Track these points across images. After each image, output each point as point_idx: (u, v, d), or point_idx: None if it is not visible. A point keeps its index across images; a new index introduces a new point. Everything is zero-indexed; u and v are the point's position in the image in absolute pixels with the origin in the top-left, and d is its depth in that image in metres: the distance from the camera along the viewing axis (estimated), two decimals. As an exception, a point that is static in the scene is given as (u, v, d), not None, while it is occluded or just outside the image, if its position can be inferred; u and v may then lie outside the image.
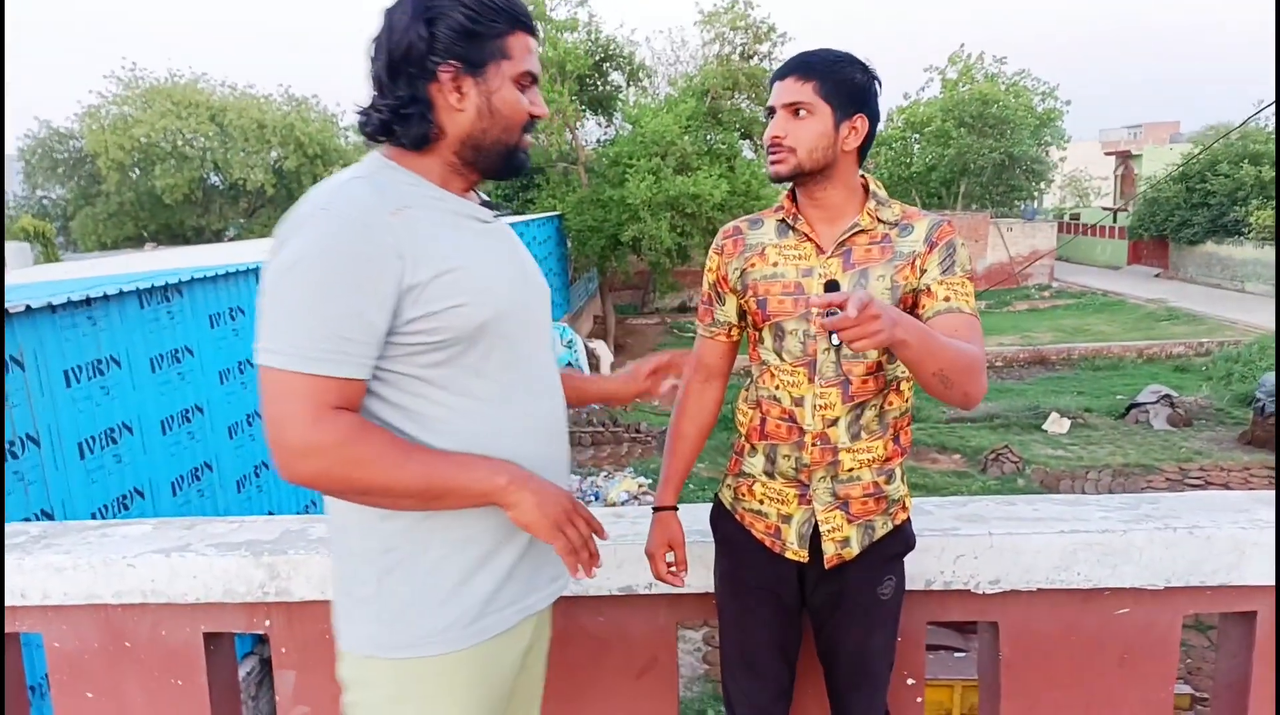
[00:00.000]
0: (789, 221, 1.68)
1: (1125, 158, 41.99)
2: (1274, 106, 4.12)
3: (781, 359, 1.66)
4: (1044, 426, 15.12)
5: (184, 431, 6.26)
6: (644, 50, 33.89)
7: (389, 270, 1.24)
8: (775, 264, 1.67)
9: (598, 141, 25.58)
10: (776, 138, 1.61)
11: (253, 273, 7.01)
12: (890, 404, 1.68)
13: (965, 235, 27.75)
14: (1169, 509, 1.97)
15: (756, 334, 1.72)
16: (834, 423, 1.64)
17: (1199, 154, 29.28)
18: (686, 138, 20.88)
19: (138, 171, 30.57)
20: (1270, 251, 28.00)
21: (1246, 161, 30.15)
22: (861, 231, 1.64)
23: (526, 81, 1.38)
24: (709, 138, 22.76)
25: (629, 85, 26.14)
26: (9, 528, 2.18)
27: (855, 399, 1.64)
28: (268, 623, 2.03)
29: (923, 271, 1.62)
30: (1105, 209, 39.97)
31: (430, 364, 1.32)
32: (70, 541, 2.06)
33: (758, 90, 23.38)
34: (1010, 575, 1.87)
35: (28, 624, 2.03)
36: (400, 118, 1.31)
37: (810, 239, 1.65)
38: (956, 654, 5.94)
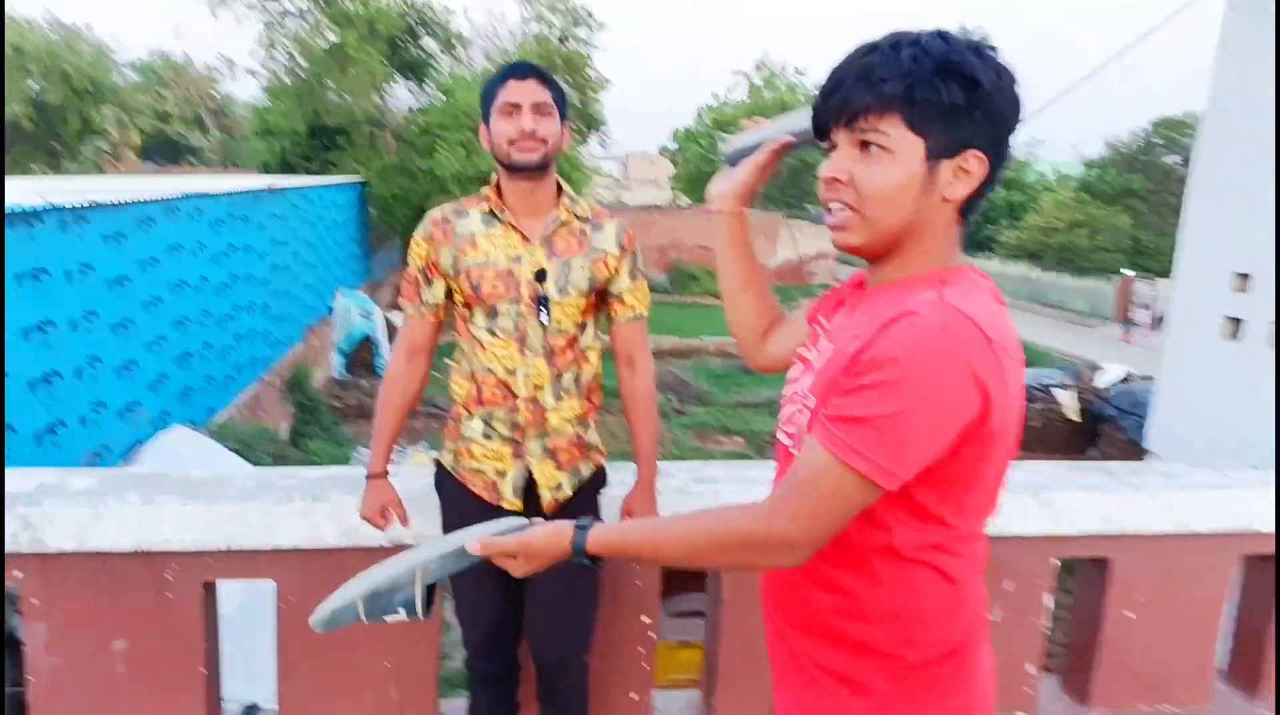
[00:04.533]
0: (495, 213, 1.89)
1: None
2: (1276, 104, 4.80)
3: (495, 335, 1.88)
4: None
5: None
6: (461, 20, 33.16)
7: None
8: (486, 253, 1.87)
9: (409, 109, 24.79)
10: None
11: (5, 216, 6.35)
12: (583, 369, 1.96)
13: (758, 232, 29.38)
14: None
15: (467, 312, 1.92)
16: (541, 387, 1.89)
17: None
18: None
19: None
20: (1012, 266, 31.75)
21: (1000, 185, 33.93)
22: (562, 224, 1.90)
23: None
24: (523, 116, 22.63)
25: (444, 53, 25.49)
26: None
27: (557, 367, 1.91)
28: (17, 574, 1.99)
29: (616, 273, 1.93)
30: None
31: None
32: None
33: (575, 74, 23.54)
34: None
35: None
36: None
37: (517, 229, 1.88)
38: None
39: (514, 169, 1.84)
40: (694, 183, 35.61)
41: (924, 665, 1.13)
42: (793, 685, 1.23)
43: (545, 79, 1.85)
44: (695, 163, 36.52)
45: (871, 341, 1.03)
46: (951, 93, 1.04)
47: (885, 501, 1.06)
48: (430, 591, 1.27)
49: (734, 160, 1.44)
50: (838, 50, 1.11)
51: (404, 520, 2.02)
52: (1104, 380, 16.10)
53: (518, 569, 1.23)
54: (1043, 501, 2.27)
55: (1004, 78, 1.07)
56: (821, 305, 1.30)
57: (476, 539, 1.23)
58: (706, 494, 2.17)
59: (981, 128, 1.06)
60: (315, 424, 13.79)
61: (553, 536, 1.20)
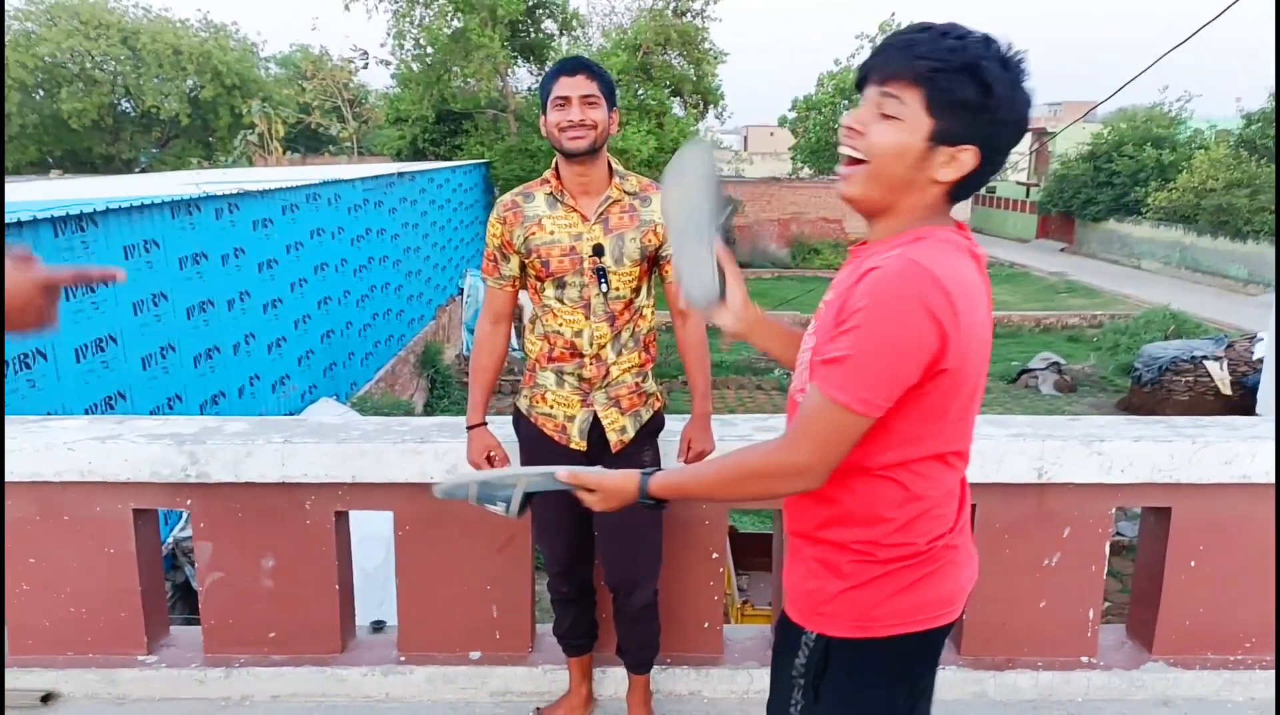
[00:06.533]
0: (556, 195, 2.14)
1: (1041, 134, 43.53)
2: (1275, 104, 4.60)
3: (563, 303, 2.15)
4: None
5: (97, 361, 6.42)
6: (578, 0, 33.59)
7: None
8: (552, 232, 2.13)
9: (529, 90, 25.49)
10: None
11: (168, 206, 7.12)
12: (639, 326, 2.20)
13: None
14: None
15: (539, 284, 2.19)
16: (604, 346, 2.15)
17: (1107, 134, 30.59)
18: (618, 91, 21.01)
19: (42, 93, 29.20)
20: (1164, 231, 29.75)
21: (1150, 144, 31.79)
22: (613, 201, 2.13)
23: None
24: (640, 93, 22.93)
25: (561, 34, 26.03)
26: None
27: (618, 327, 2.16)
28: (189, 501, 2.42)
29: (664, 239, 2.15)
30: (1020, 184, 41.53)
31: None
32: (13, 430, 2.40)
33: (689, 47, 23.58)
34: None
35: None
36: None
37: (576, 209, 2.13)
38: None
39: (568, 155, 2.08)
40: (815, 153, 35.00)
41: (889, 561, 1.34)
42: (793, 566, 1.46)
43: (593, 72, 2.08)
44: (816, 132, 35.83)
45: (848, 293, 1.23)
46: (967, 91, 1.18)
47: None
48: (525, 501, 1.55)
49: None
50: (964, 13, 1.26)
51: (505, 461, 2.31)
52: (1261, 351, 15.04)
53: (595, 503, 1.46)
54: (1094, 450, 2.35)
55: (1018, 97, 1.21)
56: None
57: (566, 469, 1.49)
58: (736, 443, 2.36)
59: (983, 130, 1.21)
60: (446, 397, 14.63)
61: (624, 480, 1.44)
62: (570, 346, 2.16)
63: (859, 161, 1.27)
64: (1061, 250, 35.38)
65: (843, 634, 1.37)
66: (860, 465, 1.30)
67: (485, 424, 2.33)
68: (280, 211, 9.11)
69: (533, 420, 2.24)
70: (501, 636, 2.58)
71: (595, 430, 2.19)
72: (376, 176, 12.93)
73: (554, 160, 2.18)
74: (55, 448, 2.32)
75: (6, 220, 5.43)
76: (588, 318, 2.14)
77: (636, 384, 2.21)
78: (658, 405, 2.28)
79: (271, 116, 27.48)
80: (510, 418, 2.35)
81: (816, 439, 1.24)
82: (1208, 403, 15.00)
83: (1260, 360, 14.63)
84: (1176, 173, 29.40)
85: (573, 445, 2.19)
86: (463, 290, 17.73)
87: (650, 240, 2.15)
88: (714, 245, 1.44)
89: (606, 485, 1.45)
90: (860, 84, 1.29)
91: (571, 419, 2.19)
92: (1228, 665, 2.54)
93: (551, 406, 2.20)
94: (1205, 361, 15.55)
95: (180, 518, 6.55)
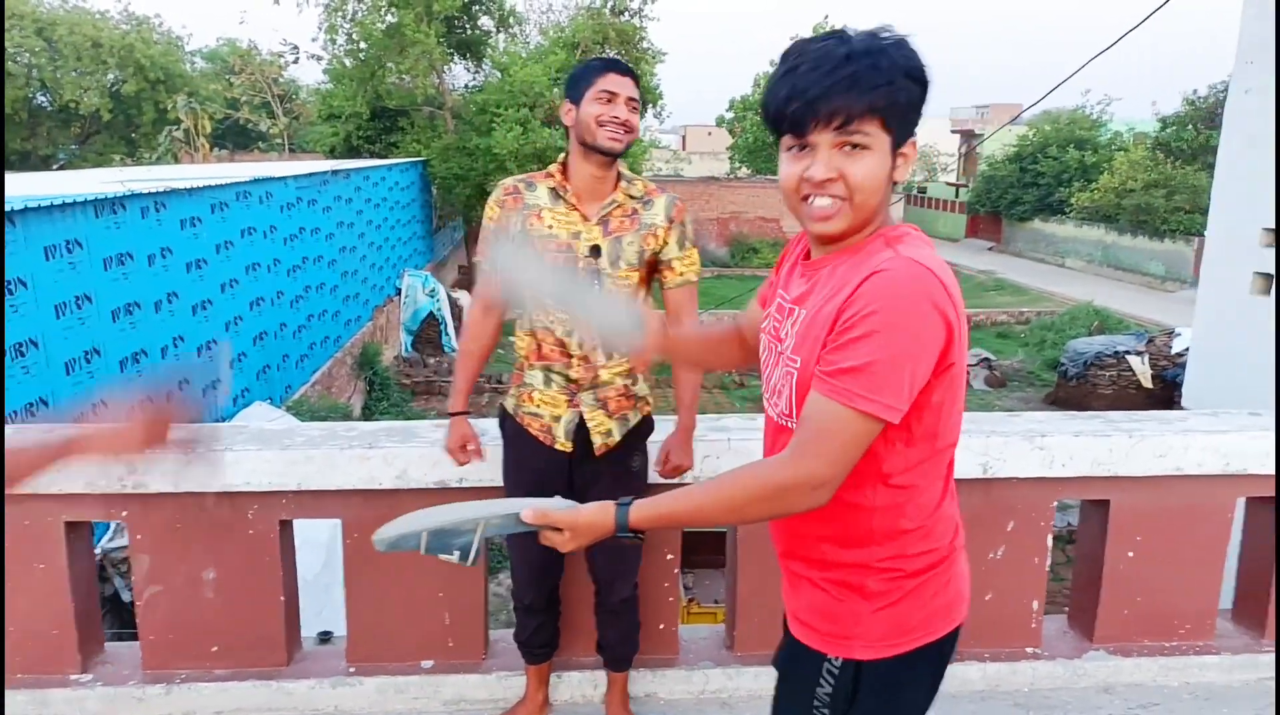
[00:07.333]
0: (560, 192, 2.10)
1: (970, 136, 44.74)
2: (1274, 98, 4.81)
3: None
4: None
5: (17, 366, 6.14)
6: (515, -4, 33.28)
7: None
8: (550, 226, 2.09)
9: (465, 87, 25.18)
10: None
11: (91, 204, 6.83)
12: None
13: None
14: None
15: None
16: (594, 348, 2.11)
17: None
18: (555, 89, 20.92)
19: (-50, 85, 27.82)
20: (1087, 230, 30.82)
21: (1073, 146, 32.90)
22: (617, 206, 2.10)
23: None
24: (578, 91, 22.76)
25: (499, 31, 25.77)
26: None
27: None
28: (125, 513, 2.32)
29: (665, 243, 2.12)
30: (950, 184, 42.60)
31: None
32: (-68, 443, 2.27)
33: (627, 46, 23.56)
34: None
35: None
36: None
37: (578, 208, 2.09)
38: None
39: (597, 151, 2.02)
40: (752, 153, 35.30)
41: (919, 572, 1.32)
42: (797, 590, 1.41)
43: (637, 80, 2.08)
44: (753, 132, 36.17)
45: (849, 301, 1.19)
46: (912, 93, 1.21)
47: (880, 433, 1.22)
48: (481, 546, 1.41)
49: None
50: (895, 15, 1.24)
51: (479, 454, 2.28)
52: (1180, 345, 15.69)
53: (564, 544, 1.32)
54: (1036, 445, 2.42)
55: (927, 71, 1.23)
56: (773, 283, 1.47)
57: (531, 508, 1.34)
58: (718, 441, 2.37)
59: (917, 118, 1.25)
60: (385, 400, 14.37)
61: (597, 515, 1.31)
62: (559, 344, 2.12)
63: (841, 199, 1.24)
64: (990, 249, 36.38)
65: (874, 656, 1.32)
66: (876, 476, 1.27)
67: (467, 413, 2.30)
68: (209, 210, 8.83)
69: (519, 420, 2.20)
70: (454, 644, 2.53)
71: (581, 432, 2.16)
72: (310, 174, 12.62)
73: (562, 157, 2.13)
74: (-21, 460, 2.20)
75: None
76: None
77: (626, 387, 2.18)
78: (646, 409, 2.25)
79: (198, 112, 26.65)
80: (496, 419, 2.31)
81: (835, 451, 1.19)
82: (1130, 396, 15.60)
83: (1179, 354, 15.26)
84: (1098, 174, 30.49)
85: (558, 445, 2.15)
86: (400, 291, 17.43)
87: (649, 243, 2.12)
88: (597, 289, 1.43)
89: (579, 523, 1.32)
90: (798, 130, 1.22)
91: (557, 419, 2.15)
92: (1164, 651, 2.63)
93: (538, 406, 2.17)
94: (1128, 356, 16.16)
95: (109, 528, 6.30)
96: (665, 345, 1.52)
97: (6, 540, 2.28)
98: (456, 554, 1.38)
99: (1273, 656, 2.63)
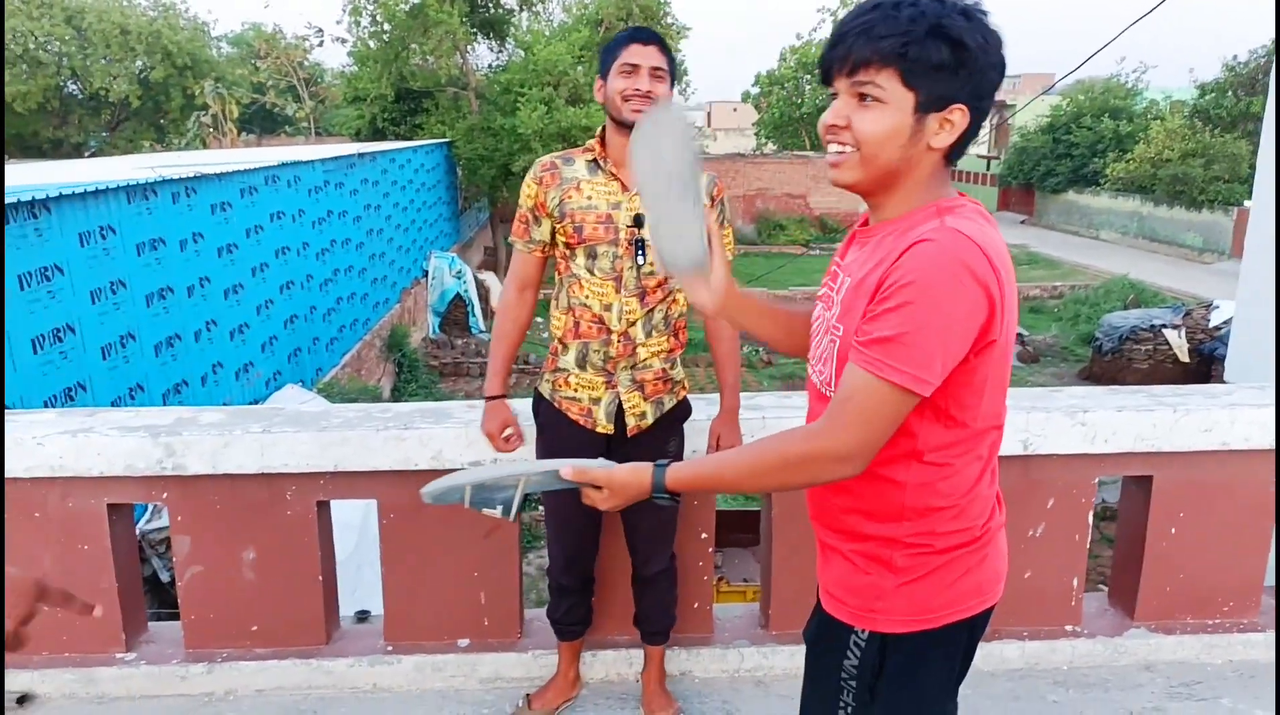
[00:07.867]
0: (599, 162, 2.07)
1: (1002, 108, 43.93)
2: (1274, 90, 4.66)
3: (593, 274, 2.08)
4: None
5: (55, 351, 6.25)
6: (538, -26, 33.07)
7: None
8: (589, 198, 2.06)
9: (489, 67, 25.11)
10: None
11: (123, 191, 6.91)
12: (671, 309, 2.15)
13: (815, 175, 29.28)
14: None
15: (568, 252, 2.12)
16: (634, 323, 2.09)
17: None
18: (580, 68, 20.81)
19: (-16, 76, 28.21)
20: (1122, 201, 30.22)
21: (1107, 115, 32.20)
22: None
23: None
24: (602, 69, 22.61)
25: (522, 9, 25.63)
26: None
27: (649, 305, 2.10)
28: (165, 495, 2.35)
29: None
30: (981, 157, 41.90)
31: None
32: (-23, 427, 2.31)
33: (652, 23, 23.35)
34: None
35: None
36: None
37: (617, 178, 2.06)
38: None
39: (625, 124, 2.00)
40: (779, 128, 34.98)
41: (948, 550, 1.30)
42: (830, 562, 1.41)
43: (663, 47, 2.03)
44: (779, 107, 35.83)
45: (890, 271, 1.17)
46: (941, 53, 1.15)
47: (914, 408, 1.21)
48: (523, 501, 1.46)
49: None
50: None
51: (520, 438, 2.27)
52: (1218, 318, 15.35)
53: (603, 501, 1.37)
54: (1077, 421, 2.37)
55: (990, 40, 1.18)
56: (840, 250, 1.44)
57: (571, 466, 1.38)
58: (753, 419, 2.35)
59: (965, 85, 1.19)
60: (414, 381, 14.48)
61: (635, 474, 1.35)
62: (598, 320, 2.09)
63: (849, 149, 1.23)
64: (1022, 222, 35.81)
65: (900, 630, 1.32)
66: (910, 452, 1.26)
67: (505, 396, 2.28)
68: (239, 194, 8.90)
69: (556, 404, 2.19)
70: (490, 623, 2.55)
71: (619, 414, 2.15)
72: (336, 157, 12.67)
73: (600, 129, 2.12)
74: (24, 443, 2.24)
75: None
76: (618, 291, 2.08)
77: (664, 370, 2.17)
78: (683, 393, 2.24)
79: (225, 97, 26.83)
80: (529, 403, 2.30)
81: (865, 422, 1.18)
82: (1166, 370, 15.31)
83: (1217, 328, 14.94)
84: (1133, 143, 29.83)
85: (599, 428, 2.14)
86: (427, 272, 17.51)
87: None
88: (700, 204, 1.38)
89: (616, 481, 1.35)
90: (826, 80, 1.25)
91: (597, 402, 2.14)
92: (1206, 629, 2.59)
93: (576, 390, 2.15)
94: (1164, 330, 15.86)
95: (147, 509, 6.42)
96: (727, 296, 1.47)
97: (50, 522, 2.33)
98: (500, 508, 1.44)
99: (1320, 634, 2.57)
